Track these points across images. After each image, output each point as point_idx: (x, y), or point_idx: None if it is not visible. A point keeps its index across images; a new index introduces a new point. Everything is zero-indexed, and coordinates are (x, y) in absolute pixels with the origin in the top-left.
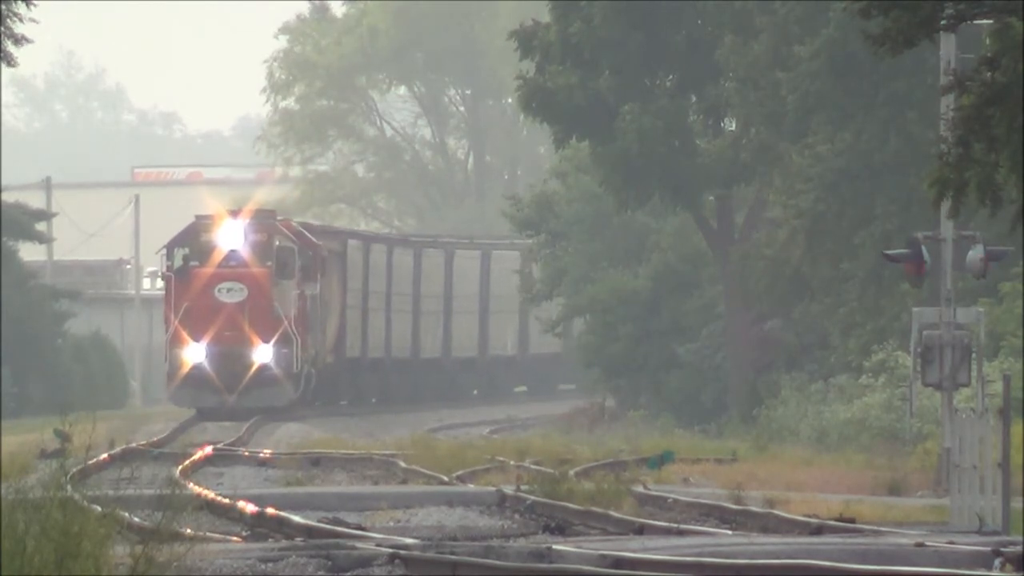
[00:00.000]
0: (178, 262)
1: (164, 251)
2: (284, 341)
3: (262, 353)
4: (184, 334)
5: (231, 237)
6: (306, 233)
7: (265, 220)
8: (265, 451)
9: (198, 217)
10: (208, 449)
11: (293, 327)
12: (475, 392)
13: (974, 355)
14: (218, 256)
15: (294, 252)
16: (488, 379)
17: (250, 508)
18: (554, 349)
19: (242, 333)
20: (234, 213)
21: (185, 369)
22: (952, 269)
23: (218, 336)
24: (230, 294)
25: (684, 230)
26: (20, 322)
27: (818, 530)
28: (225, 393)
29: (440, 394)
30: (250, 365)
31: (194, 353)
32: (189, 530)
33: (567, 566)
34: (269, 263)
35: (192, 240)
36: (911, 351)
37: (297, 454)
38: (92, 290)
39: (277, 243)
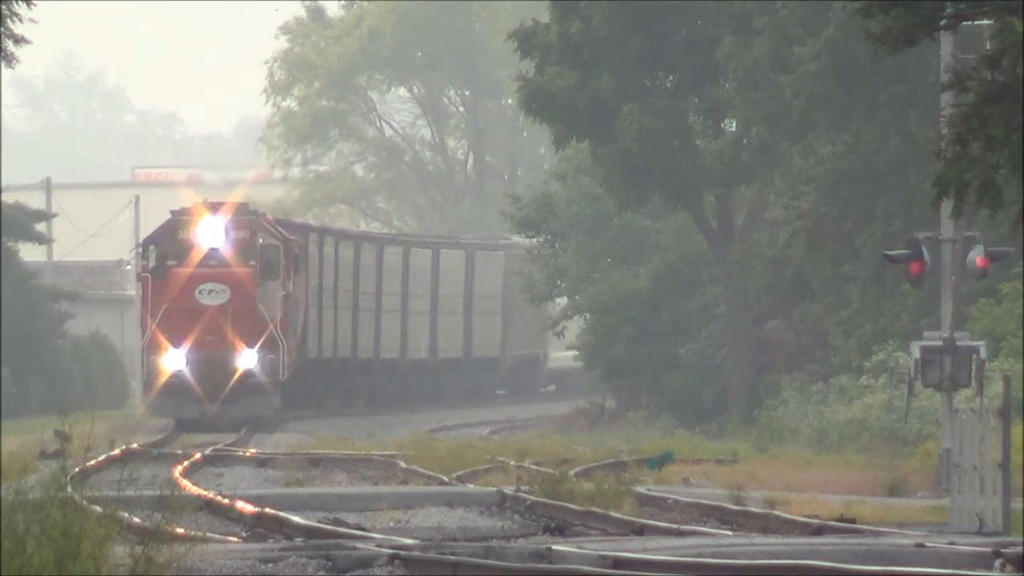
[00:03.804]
0: (155, 261)
1: (139, 249)
2: (270, 346)
3: (246, 359)
4: (162, 339)
5: (212, 234)
6: (281, 230)
7: (247, 215)
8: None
9: (175, 212)
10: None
11: (279, 331)
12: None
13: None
14: (198, 255)
15: (279, 250)
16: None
17: (250, 508)
18: None
19: (225, 338)
20: (214, 208)
21: (164, 377)
22: (952, 272)
23: (199, 341)
24: (212, 296)
25: (684, 230)
26: (20, 322)
27: (818, 531)
28: (207, 402)
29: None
30: (233, 372)
31: (173, 360)
32: (188, 530)
33: (567, 567)
34: (252, 262)
35: (169, 237)
36: (907, 379)
37: (297, 454)
38: (92, 291)
39: (261, 240)
